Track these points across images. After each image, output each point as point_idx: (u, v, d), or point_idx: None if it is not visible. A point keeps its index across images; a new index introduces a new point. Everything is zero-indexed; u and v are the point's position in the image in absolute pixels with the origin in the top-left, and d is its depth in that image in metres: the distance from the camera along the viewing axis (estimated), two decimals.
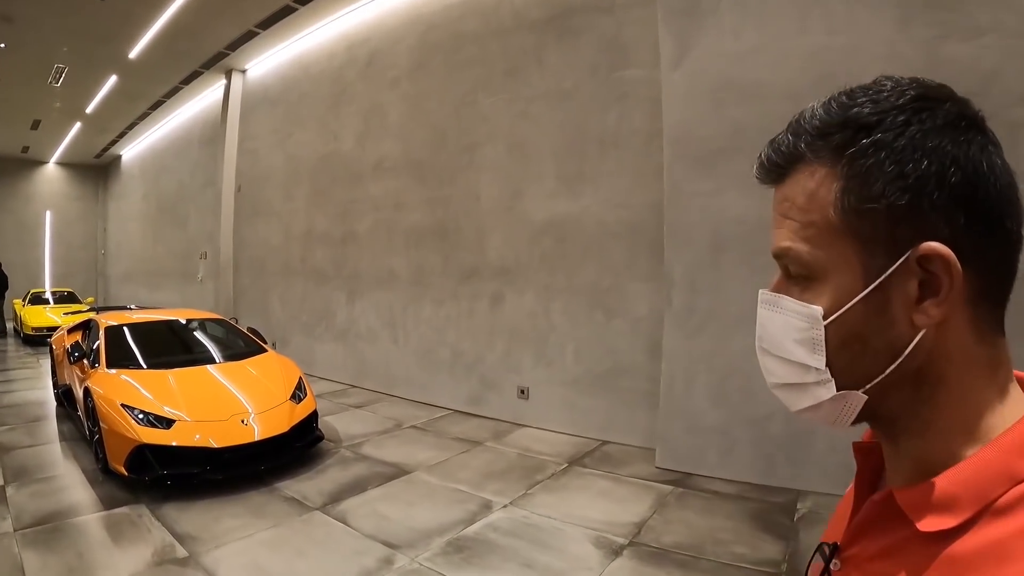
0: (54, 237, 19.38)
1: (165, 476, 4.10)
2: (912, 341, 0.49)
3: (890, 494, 0.52)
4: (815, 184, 0.51)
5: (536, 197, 5.79)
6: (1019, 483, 0.45)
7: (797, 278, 0.54)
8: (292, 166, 9.00)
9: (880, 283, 0.49)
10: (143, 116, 13.43)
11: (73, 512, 3.81)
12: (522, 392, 5.86)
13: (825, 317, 0.52)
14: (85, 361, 5.30)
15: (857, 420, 0.55)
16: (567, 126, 5.57)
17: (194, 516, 3.79)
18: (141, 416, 4.27)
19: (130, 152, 16.90)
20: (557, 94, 5.66)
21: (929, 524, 0.48)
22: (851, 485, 0.64)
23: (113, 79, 10.80)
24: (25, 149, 17.00)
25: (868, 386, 0.52)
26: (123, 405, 4.32)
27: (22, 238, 18.44)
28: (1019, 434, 0.47)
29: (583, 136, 5.47)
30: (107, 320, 5.91)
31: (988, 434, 0.49)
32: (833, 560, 0.59)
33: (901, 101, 0.48)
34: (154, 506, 3.93)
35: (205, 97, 11.75)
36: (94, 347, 5.44)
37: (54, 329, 12.10)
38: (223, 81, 10.68)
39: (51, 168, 19.12)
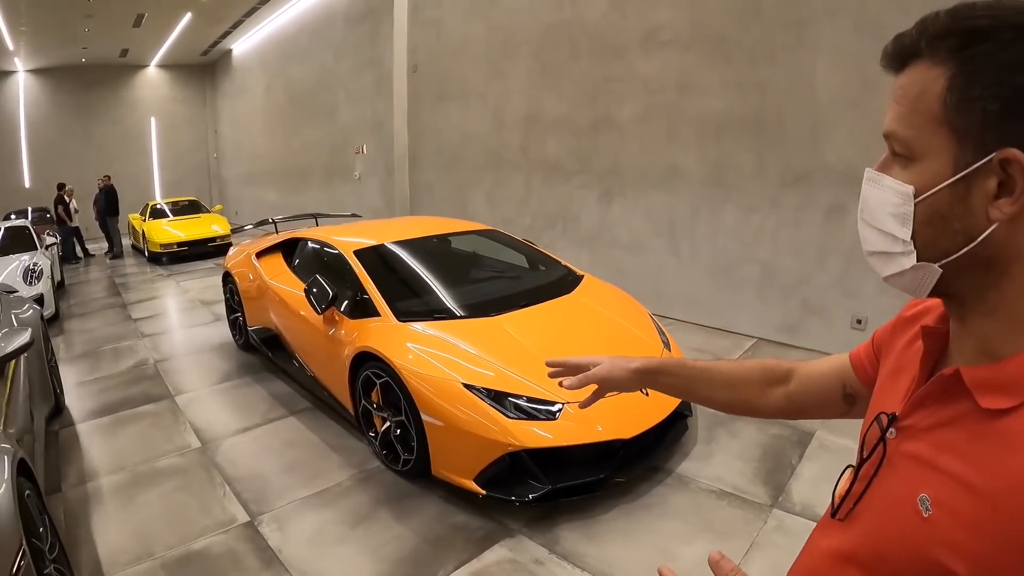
0: (160, 144, 18.75)
1: (554, 493, 2.68)
2: (985, 231, 0.52)
3: (957, 372, 0.56)
4: (928, 78, 0.54)
5: None
6: None
7: (899, 158, 0.57)
8: (499, 38, 7.39)
9: (966, 175, 0.52)
10: None
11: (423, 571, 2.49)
12: (858, 322, 4.64)
13: (916, 196, 0.55)
14: (335, 309, 3.66)
15: (932, 293, 0.58)
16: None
17: (623, 549, 2.55)
18: (506, 403, 2.77)
19: (243, 45, 15.43)
20: None
21: (991, 401, 0.52)
22: (888, 364, 0.74)
23: None
24: (124, 53, 15.82)
25: (944, 261, 0.55)
26: (468, 387, 2.83)
27: (127, 148, 17.92)
28: None
29: None
30: (347, 243, 4.07)
31: None
32: (890, 429, 0.63)
33: (1016, 20, 0.50)
34: (544, 538, 2.63)
35: None
36: (338, 284, 3.74)
37: (186, 245, 10.80)
38: None
39: (152, 71, 18.08)
